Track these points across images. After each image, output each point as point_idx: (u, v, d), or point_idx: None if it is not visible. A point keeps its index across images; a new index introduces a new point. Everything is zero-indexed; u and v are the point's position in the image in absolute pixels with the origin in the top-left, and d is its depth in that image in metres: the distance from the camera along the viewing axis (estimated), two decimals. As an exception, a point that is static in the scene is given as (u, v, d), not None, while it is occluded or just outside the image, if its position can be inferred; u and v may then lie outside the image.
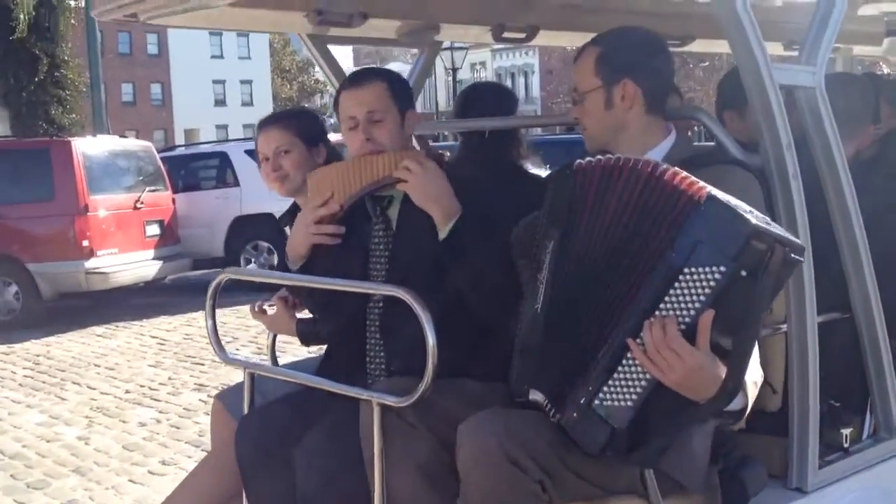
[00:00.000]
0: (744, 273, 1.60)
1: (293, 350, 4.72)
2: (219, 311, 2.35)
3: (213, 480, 2.48)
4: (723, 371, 1.66)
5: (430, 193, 2.18)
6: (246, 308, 2.93)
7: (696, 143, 3.29)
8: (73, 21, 16.25)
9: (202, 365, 7.66)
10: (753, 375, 1.75)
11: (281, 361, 3.02)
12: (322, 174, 2.32)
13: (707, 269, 1.62)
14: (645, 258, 1.71)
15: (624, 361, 1.72)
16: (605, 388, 1.74)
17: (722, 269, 1.61)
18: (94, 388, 7.17)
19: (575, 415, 1.76)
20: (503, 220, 2.10)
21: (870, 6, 3.15)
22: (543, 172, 2.99)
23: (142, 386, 7.15)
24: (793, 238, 1.67)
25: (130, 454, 5.48)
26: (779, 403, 2.27)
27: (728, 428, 1.95)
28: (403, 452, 1.97)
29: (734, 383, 1.65)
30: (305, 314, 2.69)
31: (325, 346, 2.62)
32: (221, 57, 54.10)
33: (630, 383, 1.72)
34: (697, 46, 3.44)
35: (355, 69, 2.48)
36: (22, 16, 14.54)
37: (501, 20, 2.82)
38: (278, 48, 56.42)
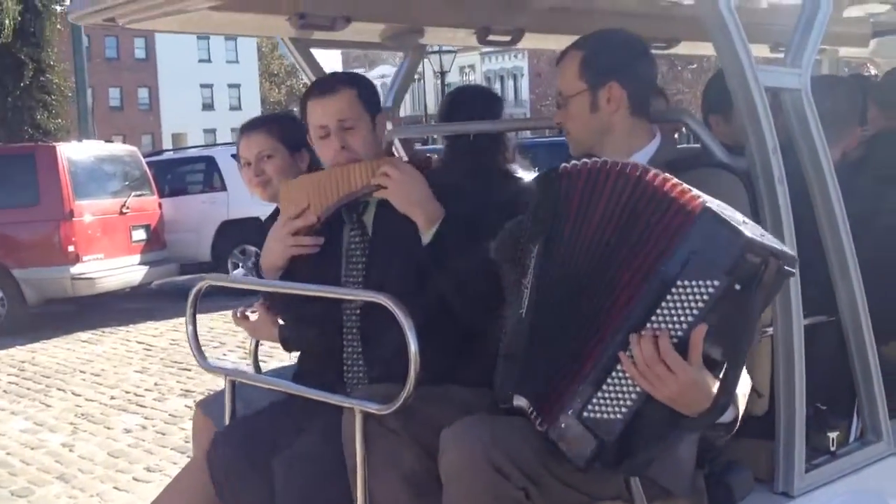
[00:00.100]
0: (738, 287, 1.58)
1: (282, 355, 4.69)
2: (206, 316, 2.33)
3: (196, 489, 2.44)
4: (714, 385, 1.64)
5: (413, 198, 2.16)
6: (234, 312, 2.90)
7: (681, 146, 3.29)
8: (58, 26, 16.21)
9: (189, 371, 7.61)
10: (742, 386, 1.74)
11: (270, 366, 2.99)
12: (296, 185, 2.29)
13: (700, 283, 1.60)
14: (635, 267, 1.69)
15: (613, 373, 1.69)
16: (595, 400, 1.71)
17: (716, 283, 1.58)
18: (80, 395, 7.12)
19: (563, 425, 1.74)
20: (487, 223, 2.08)
21: (855, 7, 3.14)
22: (532, 176, 2.97)
23: (127, 392, 7.11)
24: (786, 249, 1.65)
25: (115, 461, 5.44)
26: (765, 407, 2.25)
27: (719, 441, 1.94)
28: (386, 460, 1.95)
29: (726, 397, 1.64)
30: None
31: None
32: (209, 61, 53.98)
33: (620, 395, 1.69)
34: (683, 49, 3.44)
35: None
36: (7, 21, 14.49)
37: (486, 23, 2.80)
38: (266, 52, 56.32)
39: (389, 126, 3.10)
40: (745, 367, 1.77)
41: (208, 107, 54.12)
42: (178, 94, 51.20)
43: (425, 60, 26.71)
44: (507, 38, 2.90)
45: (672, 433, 1.73)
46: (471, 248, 2.09)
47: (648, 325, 1.64)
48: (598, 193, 1.77)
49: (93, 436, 5.99)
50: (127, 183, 10.91)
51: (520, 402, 1.84)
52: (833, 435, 2.36)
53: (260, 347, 3.06)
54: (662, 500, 1.94)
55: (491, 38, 2.86)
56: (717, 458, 2.13)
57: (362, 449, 1.93)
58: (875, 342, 2.42)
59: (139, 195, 10.92)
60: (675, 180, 1.70)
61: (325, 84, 2.36)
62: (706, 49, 3.27)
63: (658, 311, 1.63)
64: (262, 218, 2.84)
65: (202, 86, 53.85)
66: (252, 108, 48.05)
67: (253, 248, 11.55)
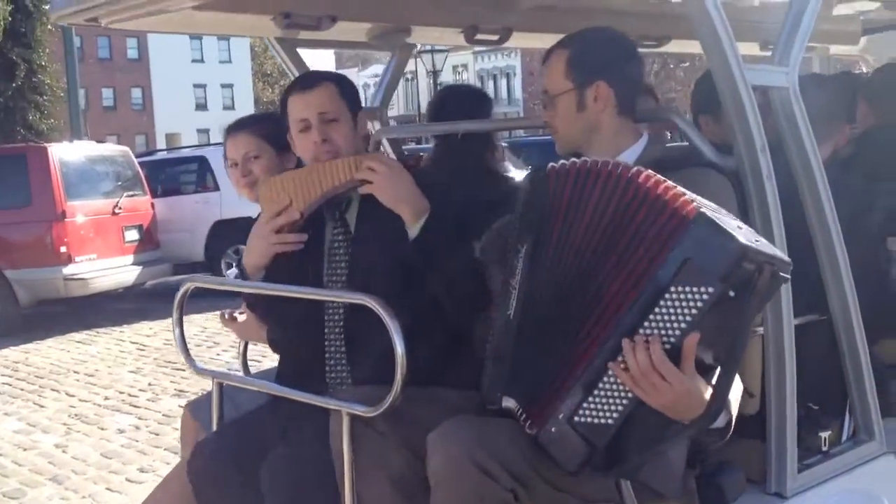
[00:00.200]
0: (732, 293, 1.56)
1: (275, 357, 4.67)
2: (201, 316, 2.31)
3: (184, 492, 2.42)
4: (707, 391, 1.63)
5: (399, 192, 2.14)
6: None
7: (671, 144, 3.28)
8: (49, 27, 16.15)
9: (182, 371, 7.58)
10: (734, 391, 1.73)
11: (264, 367, 2.97)
12: (277, 182, 2.26)
13: (694, 289, 1.58)
14: (626, 270, 1.67)
15: (605, 378, 1.67)
16: (586, 405, 1.70)
17: (710, 289, 1.57)
18: (73, 395, 7.10)
19: (553, 430, 1.72)
20: (475, 222, 2.06)
21: (844, 5, 3.14)
22: (524, 175, 2.95)
23: (121, 392, 7.09)
24: (780, 255, 1.64)
25: (108, 462, 5.42)
26: (757, 407, 2.24)
27: (712, 446, 1.93)
28: (374, 462, 1.93)
29: (719, 404, 1.63)
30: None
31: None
32: (202, 61, 53.87)
33: (611, 401, 1.68)
34: (674, 47, 3.43)
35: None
36: (-3, 22, 14.46)
37: (474, 22, 2.79)
38: (259, 52, 56.18)
39: (378, 126, 3.08)
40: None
41: (202, 107, 54.03)
42: (171, 95, 51.11)
43: (418, 60, 26.72)
44: (495, 38, 2.88)
45: (663, 438, 1.72)
46: (458, 245, 2.08)
47: (641, 330, 1.62)
48: (588, 194, 1.75)
49: (86, 436, 5.98)
50: (119, 183, 10.88)
51: (508, 403, 1.83)
52: (825, 435, 2.35)
53: (254, 348, 3.04)
54: (653, 502, 1.93)
55: (478, 37, 2.85)
56: (709, 458, 2.12)
57: (349, 451, 1.92)
58: (866, 341, 2.41)
59: (131, 195, 10.89)
60: (668, 183, 1.68)
61: (306, 79, 2.35)
62: (697, 47, 3.25)
63: (651, 316, 1.62)
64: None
65: (195, 86, 53.76)
66: (246, 108, 47.97)
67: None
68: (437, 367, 2.13)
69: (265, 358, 4.47)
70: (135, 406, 6.66)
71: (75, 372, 7.94)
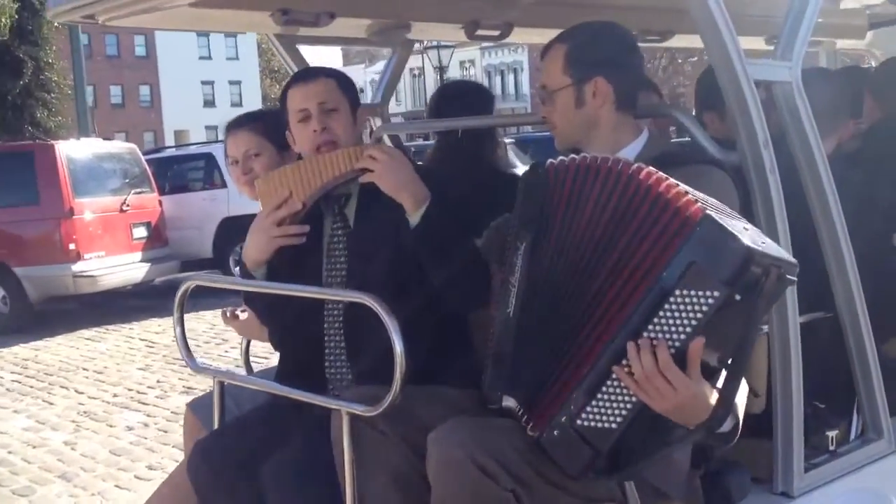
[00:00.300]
0: (738, 297, 1.54)
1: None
2: (210, 313, 2.30)
3: (185, 491, 2.42)
4: (713, 396, 1.61)
5: (400, 180, 2.13)
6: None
7: (675, 140, 3.25)
8: (56, 24, 16.18)
9: (206, 366, 7.58)
10: (740, 393, 1.71)
11: (272, 365, 2.95)
12: (275, 176, 2.25)
13: (699, 293, 1.55)
14: (629, 270, 1.64)
15: (609, 382, 1.65)
16: (589, 408, 1.67)
17: (716, 293, 1.54)
18: (82, 393, 7.12)
19: (555, 433, 1.70)
20: (476, 218, 2.05)
21: (851, -1, 3.10)
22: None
23: (130, 389, 7.10)
24: (787, 257, 1.61)
25: (117, 459, 5.43)
26: (763, 405, 2.22)
27: (718, 450, 1.90)
28: (375, 462, 1.92)
29: (725, 408, 1.61)
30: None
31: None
32: (209, 58, 53.96)
33: (615, 405, 1.66)
34: (677, 42, 3.40)
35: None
36: (4, 19, 14.48)
37: (475, 17, 2.76)
38: (266, 48, 56.17)
39: (378, 122, 3.07)
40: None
41: (209, 103, 54.12)
42: (179, 91, 51.23)
43: (424, 56, 26.67)
44: (496, 33, 2.85)
45: (669, 443, 1.70)
46: (459, 236, 2.07)
47: (645, 334, 1.60)
48: (588, 190, 1.73)
49: (95, 434, 5.99)
50: (127, 180, 10.90)
51: (508, 402, 1.81)
52: (832, 434, 2.33)
53: (262, 346, 3.02)
54: (657, 501, 1.90)
55: (479, 32, 2.82)
56: (714, 457, 2.09)
57: (350, 451, 1.91)
58: (874, 339, 2.38)
59: (139, 192, 10.91)
60: (671, 180, 1.65)
61: (306, 72, 2.36)
62: (701, 42, 3.23)
63: (655, 319, 1.59)
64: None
65: (203, 83, 53.86)
66: (253, 105, 48.10)
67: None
68: (438, 364, 2.12)
69: (272, 355, 4.46)
70: (143, 403, 6.67)
71: (84, 369, 7.97)
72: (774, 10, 2.63)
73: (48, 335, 9.50)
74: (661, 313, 1.59)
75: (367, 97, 2.38)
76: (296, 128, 2.29)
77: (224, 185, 11.69)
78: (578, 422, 1.68)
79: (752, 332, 1.59)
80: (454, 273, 2.09)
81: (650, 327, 1.60)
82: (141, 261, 10.73)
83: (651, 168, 1.68)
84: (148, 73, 51.76)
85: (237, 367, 3.80)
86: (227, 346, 8.23)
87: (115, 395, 6.95)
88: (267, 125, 2.61)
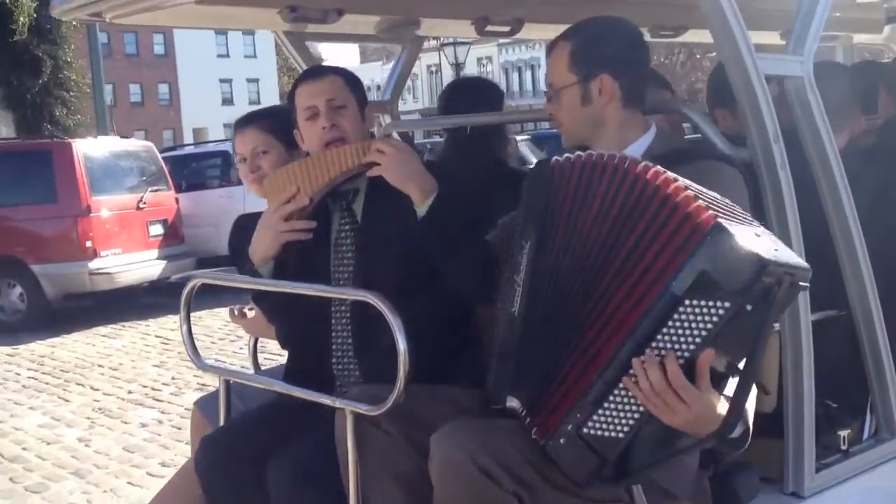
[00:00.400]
0: (749, 308, 1.51)
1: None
2: (224, 310, 2.29)
3: (192, 487, 2.41)
4: (723, 404, 1.59)
5: (407, 173, 2.12)
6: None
7: (689, 136, 3.22)
8: (75, 23, 16.27)
9: (212, 364, 7.61)
10: (750, 398, 1.67)
11: (279, 363, 2.95)
12: (282, 173, 2.24)
13: (710, 303, 1.52)
14: (638, 272, 1.61)
15: (616, 391, 1.62)
16: (596, 417, 1.64)
17: (727, 304, 1.51)
18: (98, 389, 7.15)
19: (562, 441, 1.68)
20: (485, 215, 2.03)
21: (869, -7, 3.06)
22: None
23: (145, 386, 7.13)
24: (800, 263, 1.58)
25: (131, 456, 5.45)
26: (773, 404, 2.19)
27: (728, 457, 1.88)
28: (379, 461, 1.91)
29: (735, 417, 1.58)
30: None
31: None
32: (228, 56, 54.13)
33: (623, 414, 1.63)
34: (691, 37, 3.37)
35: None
36: (23, 18, 14.58)
37: (485, 13, 2.74)
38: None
39: (388, 119, 3.05)
40: None
41: (228, 101, 54.29)
42: (197, 90, 51.42)
43: (441, 53, 26.66)
44: (506, 29, 2.83)
45: (677, 451, 1.68)
46: (467, 228, 2.06)
47: (653, 344, 1.57)
48: (595, 187, 1.70)
49: (109, 430, 6.01)
50: (143, 178, 10.96)
51: (512, 403, 1.80)
52: (844, 433, 2.30)
53: (275, 345, 3.01)
54: (664, 502, 1.88)
55: (489, 28, 2.79)
56: (723, 457, 2.06)
57: (354, 450, 1.90)
58: (888, 337, 2.35)
59: (155, 190, 10.97)
60: (680, 182, 1.62)
61: (314, 70, 2.37)
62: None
63: (665, 329, 1.56)
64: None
65: (221, 81, 54.05)
66: (271, 102, 47.98)
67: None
68: (447, 362, 2.11)
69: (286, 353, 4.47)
70: (158, 400, 6.69)
71: (100, 366, 8.01)
72: (789, 4, 2.59)
73: (65, 332, 9.56)
74: (671, 323, 1.55)
75: (367, 97, 2.37)
76: (304, 125, 2.29)
77: (240, 182, 11.64)
78: (585, 430, 1.65)
79: (764, 340, 1.56)
80: (463, 266, 2.08)
81: (659, 337, 1.56)
82: (157, 258, 10.79)
83: (659, 168, 1.65)
84: (167, 71, 51.99)
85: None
86: (242, 342, 8.24)
87: (129, 392, 6.98)
88: (275, 123, 2.60)
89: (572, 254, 1.72)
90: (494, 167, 2.85)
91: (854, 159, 2.35)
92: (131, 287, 10.65)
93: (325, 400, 1.99)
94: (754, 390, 1.73)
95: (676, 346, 1.55)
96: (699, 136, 2.35)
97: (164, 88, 52.69)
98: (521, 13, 2.78)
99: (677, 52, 29.44)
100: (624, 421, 1.63)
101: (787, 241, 1.97)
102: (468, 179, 2.39)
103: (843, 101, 2.56)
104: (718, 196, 1.65)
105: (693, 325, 1.53)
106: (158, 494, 2.56)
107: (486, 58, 56.05)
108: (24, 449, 5.72)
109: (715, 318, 1.52)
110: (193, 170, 12.69)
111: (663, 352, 1.55)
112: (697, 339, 1.53)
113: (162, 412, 6.34)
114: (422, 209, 2.11)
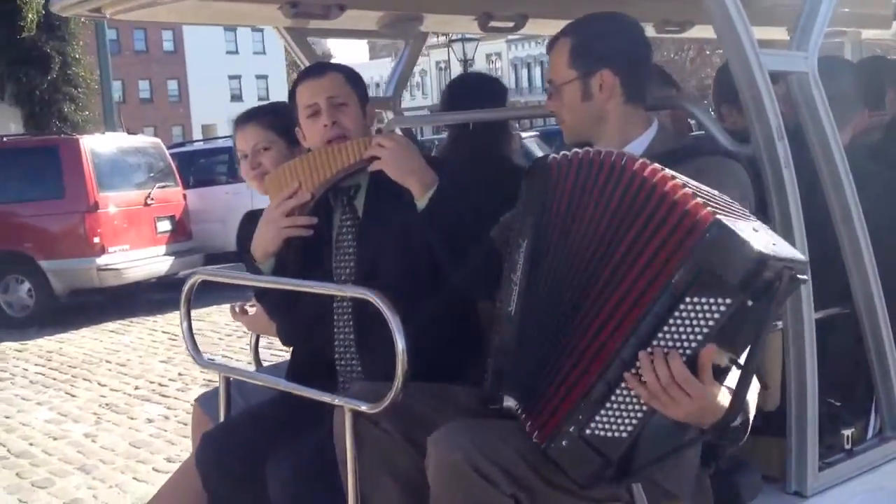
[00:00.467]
0: (750, 303, 1.51)
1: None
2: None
3: (193, 483, 2.41)
4: (725, 396, 1.58)
5: (407, 166, 2.11)
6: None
7: (695, 133, 3.20)
8: (83, 19, 16.29)
9: (212, 360, 7.62)
10: (751, 391, 1.67)
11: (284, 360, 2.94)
12: (284, 170, 2.24)
13: (711, 300, 1.51)
14: (636, 270, 1.60)
15: (618, 390, 1.61)
16: (598, 418, 1.63)
17: (728, 300, 1.50)
18: (105, 385, 7.16)
19: (564, 443, 1.66)
20: (489, 212, 2.02)
21: (876, -12, 3.03)
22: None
23: (152, 382, 7.14)
24: (798, 256, 1.57)
25: (137, 451, 5.46)
26: (777, 402, 2.18)
27: (730, 448, 1.86)
28: (378, 460, 1.90)
29: (737, 408, 1.58)
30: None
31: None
32: (236, 52, 54.20)
33: (625, 413, 1.62)
34: (697, 32, 3.34)
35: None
36: (31, 15, 14.60)
37: (488, 9, 2.72)
38: (294, 42, 56.36)
39: (390, 115, 3.04)
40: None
41: (237, 98, 54.32)
42: (206, 86, 51.50)
43: (450, 49, 26.60)
44: (510, 25, 2.81)
45: (679, 445, 1.67)
46: (468, 222, 2.06)
47: (655, 342, 1.56)
48: (591, 184, 1.69)
49: (116, 426, 6.02)
50: (151, 174, 10.97)
51: (509, 402, 1.78)
52: (848, 432, 2.28)
53: (275, 342, 3.00)
54: (665, 502, 1.87)
55: (493, 24, 2.78)
56: (724, 456, 2.05)
57: (352, 448, 1.89)
58: (894, 335, 2.32)
59: (163, 186, 10.98)
60: (678, 180, 1.61)
61: (315, 67, 2.35)
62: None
63: (666, 327, 1.55)
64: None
65: (230, 77, 54.12)
66: (280, 98, 48.11)
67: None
68: (446, 360, 2.10)
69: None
70: (164, 396, 6.71)
71: (107, 361, 8.03)
72: (796, -1, 2.57)
73: (73, 328, 9.58)
74: (672, 321, 1.55)
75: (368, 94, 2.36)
76: (305, 123, 2.28)
77: (247, 178, 11.74)
78: (588, 431, 1.64)
79: (764, 334, 1.55)
80: (464, 261, 2.07)
81: (660, 335, 1.56)
82: (165, 254, 10.80)
83: (657, 165, 1.64)
84: (176, 67, 52.08)
85: (263, 360, 3.80)
86: (249, 339, 8.25)
87: (136, 388, 6.99)
88: (276, 119, 2.58)
89: (569, 252, 1.71)
90: (497, 163, 2.83)
91: (858, 155, 2.33)
92: (139, 283, 10.67)
93: (324, 397, 1.98)
94: (756, 385, 1.72)
95: (679, 344, 1.54)
96: (704, 132, 2.34)
97: (173, 85, 52.78)
98: (525, 8, 2.76)
99: (687, 49, 29.32)
100: (627, 420, 1.62)
101: (791, 240, 1.96)
102: (470, 174, 2.37)
103: (846, 97, 2.54)
104: (716, 193, 1.64)
105: (695, 321, 1.53)
106: (160, 491, 2.56)
107: (495, 54, 55.96)
108: (30, 444, 5.73)
109: (717, 315, 1.51)
110: (201, 166, 12.71)
111: (666, 349, 1.55)
112: (699, 336, 1.53)
113: (168, 408, 6.35)
114: (421, 202, 2.10)
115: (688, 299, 1.53)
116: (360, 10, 2.57)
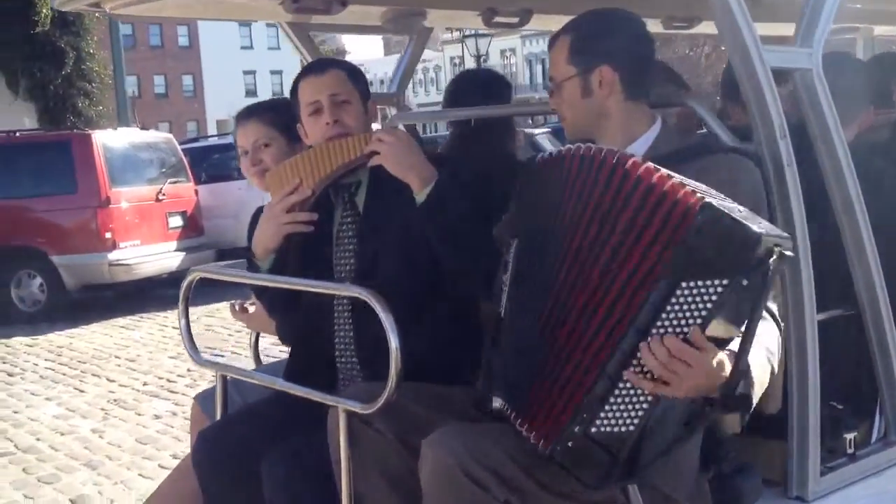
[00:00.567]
0: (745, 282, 1.51)
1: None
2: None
3: (191, 482, 2.40)
4: (726, 359, 1.57)
5: (407, 162, 2.11)
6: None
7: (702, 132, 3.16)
8: (97, 14, 16.35)
9: (222, 356, 7.63)
10: (758, 369, 1.64)
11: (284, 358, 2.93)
12: (285, 167, 2.24)
13: (707, 282, 1.52)
14: (632, 264, 1.59)
15: (620, 384, 1.60)
16: (603, 414, 1.62)
17: (724, 282, 1.51)
18: (114, 381, 7.18)
19: (570, 444, 1.64)
20: (492, 209, 2.00)
21: (888, -17, 2.99)
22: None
23: (160, 378, 7.16)
24: (783, 233, 1.58)
25: (143, 447, 5.47)
26: (779, 405, 2.14)
27: (742, 418, 1.83)
28: (371, 461, 1.89)
29: (741, 365, 1.56)
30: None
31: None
32: (251, 48, 54.37)
33: (630, 406, 1.60)
34: (705, 28, 3.30)
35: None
36: (45, 10, 14.66)
37: (492, 4, 2.69)
38: (309, 38, 56.45)
39: (394, 111, 3.03)
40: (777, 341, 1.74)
41: (251, 93, 54.41)
42: (221, 81, 51.69)
43: (464, 45, 26.56)
44: (515, 20, 2.78)
45: (685, 431, 1.65)
46: (468, 218, 2.05)
47: (654, 330, 1.55)
48: (580, 184, 1.68)
49: (123, 422, 6.04)
50: (163, 170, 11.01)
51: (496, 404, 1.77)
52: (850, 436, 2.24)
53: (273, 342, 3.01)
54: (662, 504, 1.85)
55: (497, 19, 2.74)
56: (725, 458, 2.02)
57: (346, 448, 1.88)
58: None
59: (175, 182, 11.01)
60: (663, 171, 1.61)
61: (316, 64, 2.34)
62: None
63: (664, 315, 1.55)
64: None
65: (245, 72, 54.31)
66: (294, 94, 48.21)
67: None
68: (445, 359, 2.08)
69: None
70: (172, 392, 6.71)
71: (117, 357, 8.05)
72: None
73: (83, 323, 9.62)
74: (670, 307, 1.54)
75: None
76: (307, 121, 2.27)
77: (259, 174, 11.74)
78: (594, 429, 1.62)
79: (760, 309, 1.55)
80: (463, 258, 2.07)
81: (659, 323, 1.55)
82: (176, 250, 10.83)
83: (638, 159, 1.64)
84: (191, 62, 52.28)
85: (271, 356, 3.80)
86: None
87: (145, 384, 7.01)
88: (276, 116, 2.57)
89: (559, 249, 1.69)
90: (501, 160, 2.81)
91: (863, 153, 2.30)
92: (150, 278, 10.69)
93: (318, 397, 1.97)
94: (762, 365, 1.69)
95: (678, 330, 1.54)
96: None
97: (188, 80, 52.99)
98: (529, 3, 2.73)
99: (702, 45, 29.15)
100: (633, 412, 1.61)
101: (793, 239, 1.93)
102: (471, 171, 2.35)
103: (852, 94, 2.50)
104: (703, 186, 1.63)
105: (693, 306, 1.54)
106: (159, 488, 2.56)
107: (509, 50, 55.88)
108: (38, 440, 5.75)
109: (714, 297, 1.52)
110: (213, 162, 12.72)
111: (664, 337, 1.55)
112: (698, 320, 1.53)
113: (176, 404, 6.36)
114: (420, 196, 2.10)
115: (684, 284, 1.54)
116: (362, 5, 2.54)
